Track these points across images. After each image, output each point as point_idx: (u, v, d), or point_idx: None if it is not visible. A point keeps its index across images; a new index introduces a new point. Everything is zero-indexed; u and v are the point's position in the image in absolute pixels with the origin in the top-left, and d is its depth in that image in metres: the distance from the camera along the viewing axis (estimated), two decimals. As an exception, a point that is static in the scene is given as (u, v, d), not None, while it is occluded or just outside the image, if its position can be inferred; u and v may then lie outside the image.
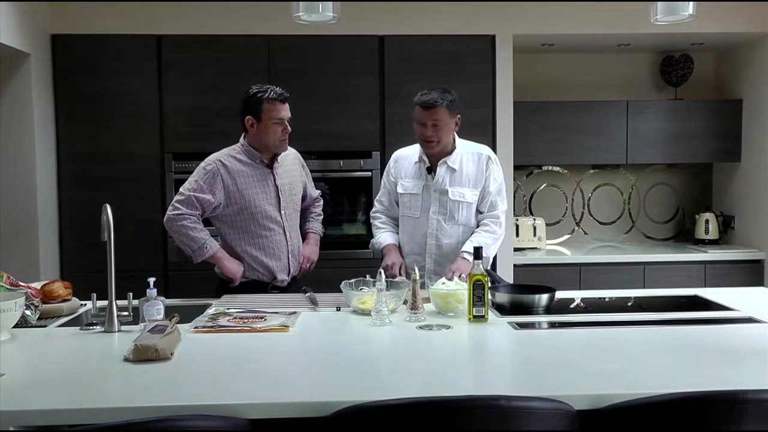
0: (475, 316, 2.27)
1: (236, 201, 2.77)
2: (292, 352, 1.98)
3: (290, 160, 2.95)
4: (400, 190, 2.91)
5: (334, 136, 4.01)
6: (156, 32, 3.94)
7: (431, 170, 2.85)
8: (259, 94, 2.74)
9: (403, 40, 4.01)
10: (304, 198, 3.04)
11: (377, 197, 3.08)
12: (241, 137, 2.85)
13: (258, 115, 2.75)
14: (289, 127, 2.80)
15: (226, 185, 2.76)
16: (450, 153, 2.84)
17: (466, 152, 2.88)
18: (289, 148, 2.91)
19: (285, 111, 2.78)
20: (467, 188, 2.84)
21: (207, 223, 2.82)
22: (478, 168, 2.86)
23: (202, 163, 2.80)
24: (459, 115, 2.80)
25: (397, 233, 2.97)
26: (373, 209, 3.07)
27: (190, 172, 2.86)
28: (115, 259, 2.27)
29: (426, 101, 2.72)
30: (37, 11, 3.78)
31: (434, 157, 2.84)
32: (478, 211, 2.89)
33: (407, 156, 2.94)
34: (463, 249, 2.78)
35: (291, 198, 2.91)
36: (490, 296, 2.47)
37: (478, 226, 2.88)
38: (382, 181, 3.04)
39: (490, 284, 2.57)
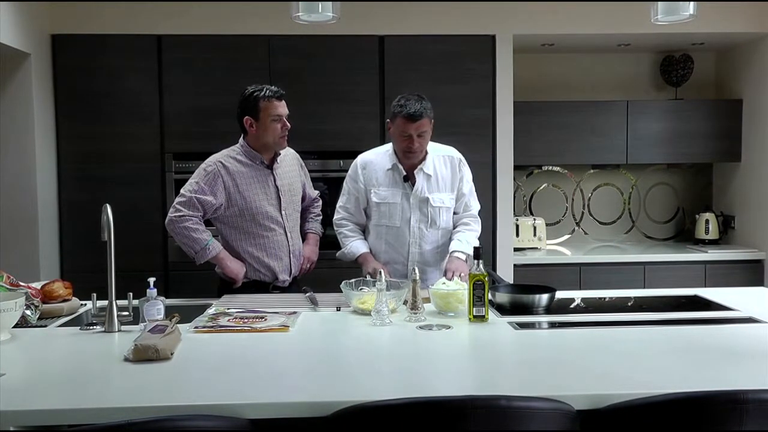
0: (475, 316, 2.27)
1: (237, 202, 2.77)
2: (292, 352, 1.97)
3: (289, 161, 2.94)
4: (375, 198, 2.82)
5: (334, 136, 4.00)
6: (156, 32, 3.94)
7: (407, 178, 2.81)
8: (255, 93, 2.74)
9: (403, 40, 4.01)
10: (303, 198, 3.03)
11: (341, 204, 2.94)
12: (240, 138, 2.84)
13: (256, 114, 2.74)
14: (288, 124, 2.79)
15: (227, 186, 2.75)
16: (423, 159, 2.80)
17: (437, 156, 2.84)
18: (287, 148, 2.91)
19: (283, 108, 2.77)
20: (445, 193, 2.83)
21: (207, 224, 2.81)
22: (452, 171, 2.84)
23: (203, 165, 2.79)
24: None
25: (366, 240, 2.91)
26: (337, 216, 2.95)
27: (191, 172, 2.86)
28: (116, 259, 2.26)
29: (413, 113, 2.65)
30: (38, 11, 3.78)
31: (410, 165, 2.80)
32: (454, 212, 2.89)
33: (376, 162, 2.85)
34: (453, 249, 2.76)
35: (291, 198, 2.90)
36: (490, 296, 2.46)
37: (455, 226, 2.87)
38: (346, 186, 2.92)
39: (490, 284, 2.58)
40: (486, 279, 2.27)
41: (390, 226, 2.84)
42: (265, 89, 2.74)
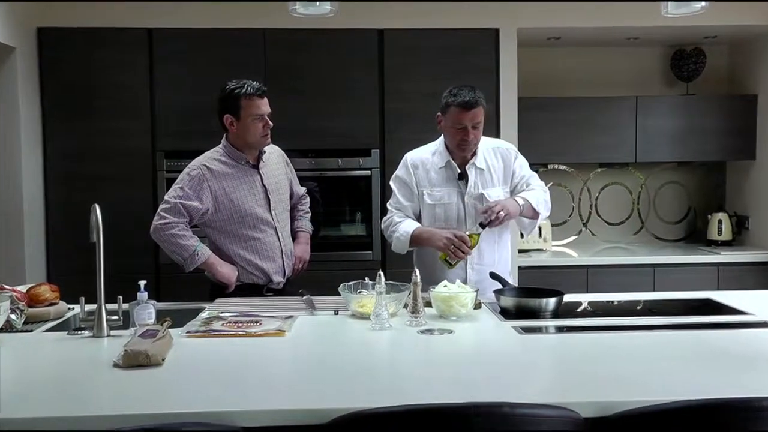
0: (446, 260, 2.53)
1: (225, 206, 2.73)
2: (288, 357, 1.97)
3: (274, 158, 2.91)
4: (428, 200, 2.70)
5: (331, 133, 3.97)
6: (147, 25, 3.90)
7: (462, 176, 2.69)
8: (236, 90, 2.69)
9: (403, 34, 3.97)
10: (291, 196, 3.00)
11: (393, 205, 2.78)
12: (223, 138, 2.81)
13: (237, 112, 2.70)
14: (270, 123, 2.75)
15: (213, 190, 2.72)
16: (474, 153, 2.70)
17: (488, 149, 2.74)
18: (271, 145, 2.87)
19: (264, 106, 2.72)
20: (498, 187, 2.72)
21: (195, 229, 2.77)
22: (504, 164, 2.74)
23: (186, 169, 2.76)
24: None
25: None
26: (390, 215, 2.77)
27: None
28: (105, 261, 2.23)
29: (468, 101, 2.54)
30: (23, 3, 3.74)
31: (462, 160, 2.70)
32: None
33: (427, 160, 2.72)
34: (519, 195, 2.66)
35: (280, 197, 2.87)
36: (494, 300, 2.47)
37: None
38: (397, 187, 2.76)
39: (497, 287, 2.56)
40: (478, 238, 2.51)
41: (446, 228, 2.66)
42: (246, 86, 2.69)
